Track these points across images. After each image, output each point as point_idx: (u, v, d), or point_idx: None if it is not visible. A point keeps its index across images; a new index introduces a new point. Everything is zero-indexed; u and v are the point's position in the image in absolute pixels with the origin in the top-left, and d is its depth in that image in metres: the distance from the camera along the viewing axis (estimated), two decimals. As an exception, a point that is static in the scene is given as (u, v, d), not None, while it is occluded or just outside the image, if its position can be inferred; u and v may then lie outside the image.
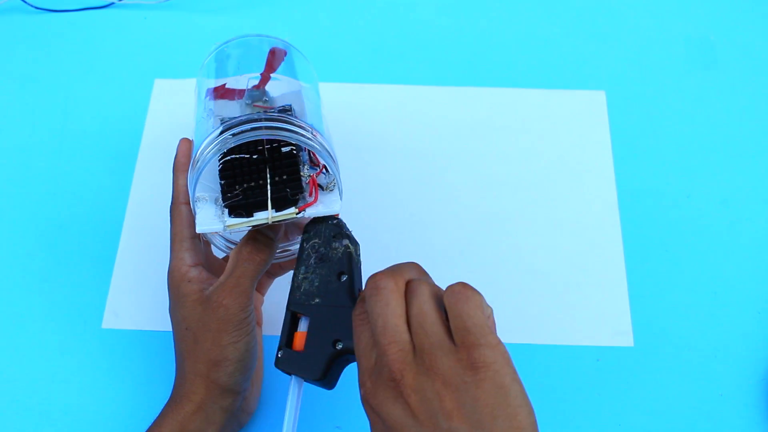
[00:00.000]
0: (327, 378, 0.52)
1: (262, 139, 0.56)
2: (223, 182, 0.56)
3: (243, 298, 0.56)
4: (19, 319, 0.68)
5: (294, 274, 0.55)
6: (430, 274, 0.50)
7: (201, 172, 0.56)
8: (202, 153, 0.56)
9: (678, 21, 0.85)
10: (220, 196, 0.56)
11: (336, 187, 0.57)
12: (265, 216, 0.55)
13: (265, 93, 0.62)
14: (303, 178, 0.56)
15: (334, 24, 0.86)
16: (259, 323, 0.64)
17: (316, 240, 0.55)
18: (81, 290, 0.70)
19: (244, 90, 0.62)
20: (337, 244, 0.54)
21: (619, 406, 0.65)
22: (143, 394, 0.65)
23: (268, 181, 0.56)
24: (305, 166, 0.57)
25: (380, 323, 0.46)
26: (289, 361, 0.53)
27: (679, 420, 0.64)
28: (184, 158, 0.61)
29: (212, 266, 0.61)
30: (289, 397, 0.53)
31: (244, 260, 0.57)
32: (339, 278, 0.53)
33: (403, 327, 0.46)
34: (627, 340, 0.67)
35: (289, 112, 0.59)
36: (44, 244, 0.72)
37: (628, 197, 0.74)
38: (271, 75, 0.63)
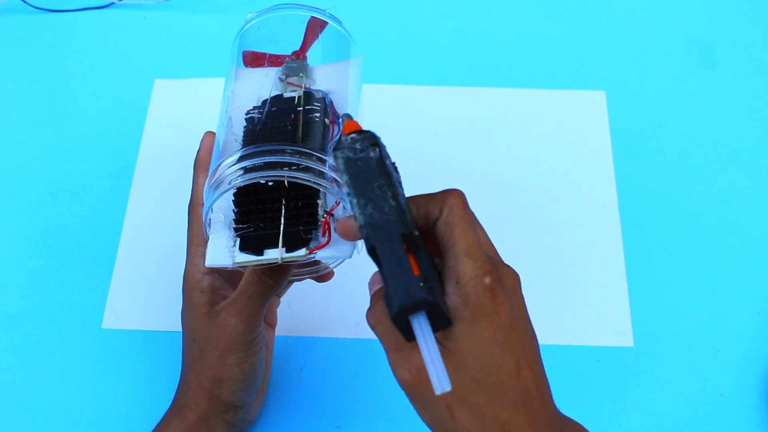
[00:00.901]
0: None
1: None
2: (236, 210, 0.53)
3: (252, 320, 0.54)
4: (19, 319, 0.68)
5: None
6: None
7: (213, 203, 0.52)
8: (210, 185, 0.52)
9: (678, 21, 0.85)
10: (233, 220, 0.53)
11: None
12: (275, 255, 0.52)
13: (303, 67, 0.58)
14: (320, 209, 0.53)
15: (334, 24, 0.86)
16: (273, 325, 0.63)
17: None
18: (81, 290, 0.69)
19: (279, 57, 0.58)
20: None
21: (619, 406, 0.65)
22: (143, 394, 0.65)
23: (283, 213, 0.52)
24: (325, 196, 0.53)
25: None
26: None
27: (679, 420, 0.64)
28: (206, 155, 0.57)
29: (230, 271, 0.57)
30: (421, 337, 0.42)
31: (257, 281, 0.54)
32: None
33: None
34: (627, 340, 0.67)
35: (320, 105, 0.55)
36: (44, 244, 0.72)
37: (628, 197, 0.74)
38: (309, 48, 0.59)
